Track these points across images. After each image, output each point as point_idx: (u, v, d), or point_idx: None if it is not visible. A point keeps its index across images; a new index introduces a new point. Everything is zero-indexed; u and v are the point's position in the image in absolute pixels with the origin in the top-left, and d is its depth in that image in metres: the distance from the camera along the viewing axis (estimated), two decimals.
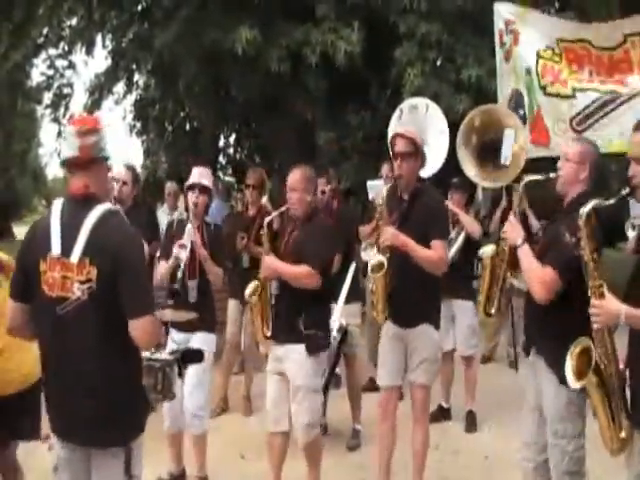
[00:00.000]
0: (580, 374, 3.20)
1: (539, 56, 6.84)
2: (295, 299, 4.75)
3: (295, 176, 4.88)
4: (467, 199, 6.85)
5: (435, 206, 4.88)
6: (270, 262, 4.83)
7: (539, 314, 3.83)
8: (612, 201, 3.28)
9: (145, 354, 3.36)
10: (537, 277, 3.73)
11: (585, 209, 3.25)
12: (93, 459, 3.15)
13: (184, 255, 5.08)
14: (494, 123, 6.01)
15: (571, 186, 3.85)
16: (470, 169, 6.08)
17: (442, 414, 6.70)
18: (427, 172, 6.48)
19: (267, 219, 5.08)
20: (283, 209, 5.00)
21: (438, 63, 10.62)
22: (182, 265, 5.06)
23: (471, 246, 6.43)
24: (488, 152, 6.02)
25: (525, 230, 4.03)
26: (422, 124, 6.59)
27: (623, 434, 3.25)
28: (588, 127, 6.48)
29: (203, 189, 5.42)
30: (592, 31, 6.65)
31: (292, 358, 4.76)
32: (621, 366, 3.30)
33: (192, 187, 5.41)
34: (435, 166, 6.47)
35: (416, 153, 4.77)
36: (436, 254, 4.66)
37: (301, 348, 4.72)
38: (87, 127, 3.17)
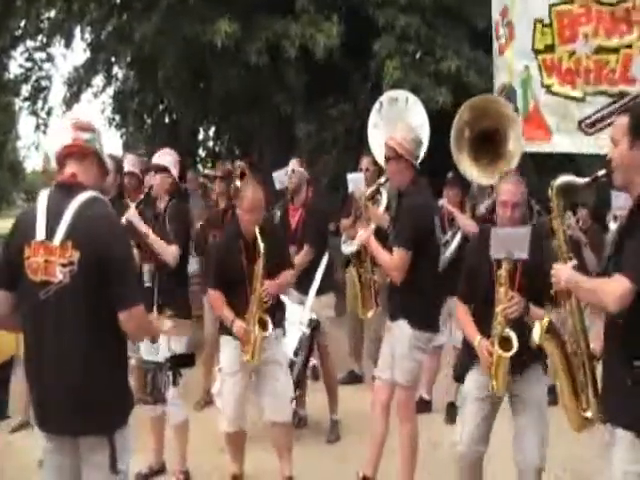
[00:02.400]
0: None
1: (537, 52, 6.71)
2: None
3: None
4: (463, 193, 6.83)
5: (405, 210, 4.85)
6: None
7: None
8: (587, 180, 3.29)
9: (135, 355, 3.37)
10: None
11: (556, 182, 3.28)
12: (81, 453, 3.13)
13: None
14: (488, 112, 6.01)
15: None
16: (468, 169, 6.07)
17: (423, 406, 6.73)
18: None
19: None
20: None
21: (417, 56, 10.62)
22: None
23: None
24: (483, 143, 6.03)
25: None
26: (402, 116, 6.61)
27: (589, 414, 3.34)
28: (598, 130, 6.37)
29: (159, 169, 5.39)
30: None
31: (275, 339, 4.97)
32: (592, 346, 3.36)
33: (149, 170, 5.47)
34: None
35: (397, 157, 4.79)
36: (391, 262, 4.72)
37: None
38: (84, 123, 3.27)
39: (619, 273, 2.90)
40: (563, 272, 3.20)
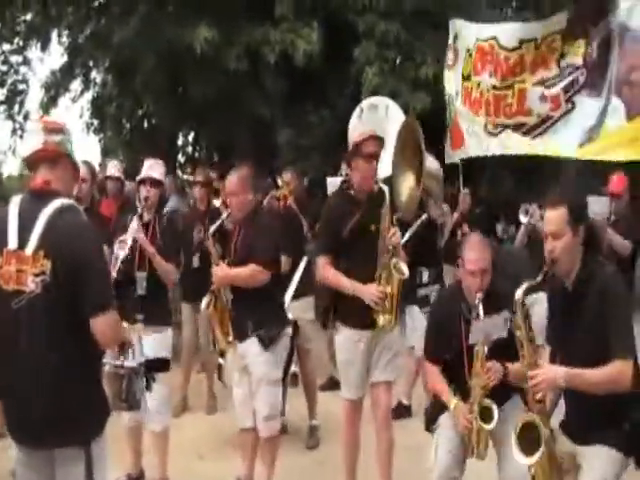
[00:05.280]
0: (527, 449, 3.25)
1: (463, 78, 7.65)
2: (247, 300, 4.90)
3: (232, 180, 5.00)
4: None
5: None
6: (220, 271, 4.97)
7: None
8: (539, 278, 3.35)
9: (110, 361, 3.33)
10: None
11: (518, 294, 3.31)
12: (55, 464, 3.07)
13: (122, 253, 4.98)
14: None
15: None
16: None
17: (403, 411, 6.73)
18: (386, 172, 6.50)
19: (212, 229, 5.21)
20: (225, 216, 5.18)
21: (397, 62, 10.67)
22: (119, 263, 4.90)
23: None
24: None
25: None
26: (382, 124, 6.62)
27: None
28: (501, 131, 6.93)
29: (154, 182, 5.36)
30: (499, 29, 7.26)
31: (251, 351, 4.89)
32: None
33: (143, 181, 5.37)
34: None
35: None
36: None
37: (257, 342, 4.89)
38: (54, 125, 3.22)
39: (616, 358, 3.14)
40: (551, 375, 3.22)
